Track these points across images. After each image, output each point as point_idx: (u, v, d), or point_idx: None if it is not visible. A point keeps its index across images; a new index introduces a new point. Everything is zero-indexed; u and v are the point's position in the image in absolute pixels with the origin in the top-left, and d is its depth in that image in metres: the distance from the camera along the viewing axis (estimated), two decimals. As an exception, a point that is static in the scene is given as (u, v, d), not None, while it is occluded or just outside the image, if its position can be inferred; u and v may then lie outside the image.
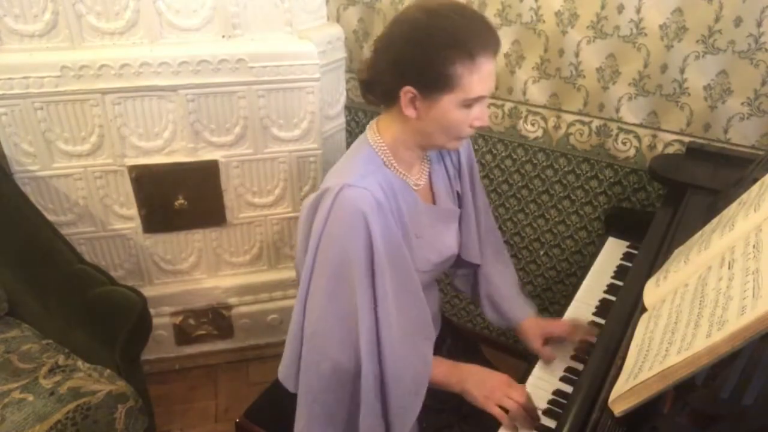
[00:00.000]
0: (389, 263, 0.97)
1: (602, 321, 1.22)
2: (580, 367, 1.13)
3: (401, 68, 0.95)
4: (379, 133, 1.05)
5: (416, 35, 0.93)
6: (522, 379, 1.13)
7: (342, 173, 1.01)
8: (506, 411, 1.00)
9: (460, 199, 1.21)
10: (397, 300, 0.99)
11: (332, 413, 1.04)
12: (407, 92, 0.95)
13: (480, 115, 0.98)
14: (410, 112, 0.97)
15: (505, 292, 1.29)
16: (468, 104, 0.95)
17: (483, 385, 1.02)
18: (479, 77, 0.92)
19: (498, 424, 1.00)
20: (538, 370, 1.14)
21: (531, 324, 1.22)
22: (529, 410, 1.00)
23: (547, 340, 1.17)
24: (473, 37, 0.91)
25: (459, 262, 1.25)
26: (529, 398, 1.01)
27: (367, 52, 2.00)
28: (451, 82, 0.92)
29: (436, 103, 0.95)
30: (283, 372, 1.11)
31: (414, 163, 1.09)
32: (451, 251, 1.18)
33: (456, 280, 1.34)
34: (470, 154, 1.23)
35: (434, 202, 1.16)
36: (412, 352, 1.02)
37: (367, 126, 1.08)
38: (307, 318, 1.01)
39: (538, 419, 1.01)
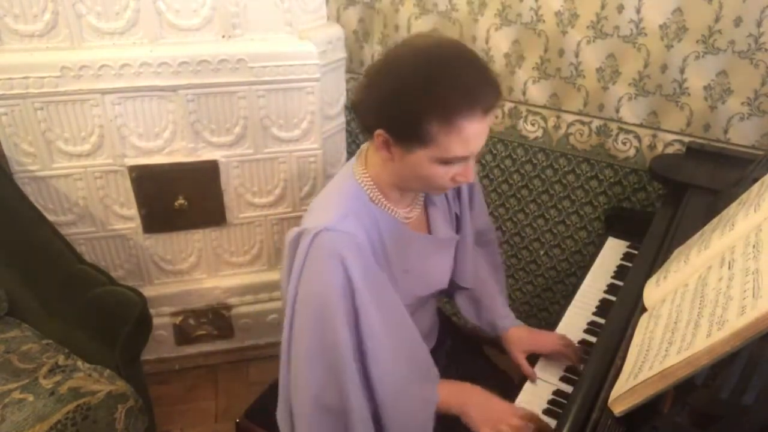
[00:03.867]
0: (376, 303, 0.92)
1: (602, 321, 1.22)
2: (580, 367, 1.13)
3: (376, 110, 0.90)
4: (366, 165, 1.00)
5: (400, 82, 0.85)
6: (522, 379, 1.13)
7: (322, 212, 0.97)
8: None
9: (458, 221, 1.17)
10: (390, 341, 0.95)
11: None
12: (379, 135, 0.89)
13: (463, 172, 0.91)
14: (384, 154, 0.92)
15: (489, 298, 1.26)
16: (445, 162, 0.88)
17: (484, 410, 0.99)
18: (458, 139, 0.84)
19: None
20: (538, 371, 1.14)
21: (519, 336, 1.19)
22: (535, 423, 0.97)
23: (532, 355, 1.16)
24: (458, 96, 0.82)
25: (451, 284, 1.22)
26: (534, 418, 0.98)
27: (367, 52, 2.01)
28: (424, 139, 0.85)
29: (409, 153, 0.89)
30: (280, 415, 1.07)
31: (402, 199, 1.04)
32: (441, 284, 1.14)
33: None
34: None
35: (429, 231, 1.11)
36: (411, 398, 0.99)
37: (356, 153, 1.03)
38: (293, 362, 0.97)
39: None
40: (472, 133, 0.85)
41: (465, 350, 1.34)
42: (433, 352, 1.27)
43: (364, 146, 1.04)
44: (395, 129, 0.87)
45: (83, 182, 1.72)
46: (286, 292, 0.99)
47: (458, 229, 1.17)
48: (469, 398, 1.02)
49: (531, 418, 0.98)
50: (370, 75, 0.92)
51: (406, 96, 0.84)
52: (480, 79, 0.85)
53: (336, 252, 0.89)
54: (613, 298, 1.26)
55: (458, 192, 1.15)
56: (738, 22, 1.35)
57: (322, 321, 0.92)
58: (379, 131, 0.89)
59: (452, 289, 1.26)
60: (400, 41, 0.92)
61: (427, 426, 0.99)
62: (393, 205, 1.02)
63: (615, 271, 1.40)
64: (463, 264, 1.19)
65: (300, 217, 1.96)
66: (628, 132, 1.61)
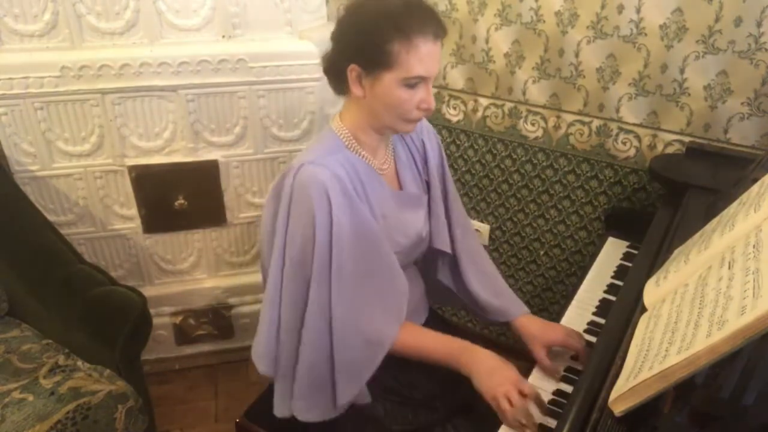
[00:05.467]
0: (353, 235, 1.01)
1: (602, 321, 1.22)
2: (580, 367, 1.13)
3: (347, 48, 1.02)
4: (342, 119, 1.11)
5: (360, 18, 1.01)
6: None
7: (303, 155, 1.07)
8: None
9: (428, 188, 1.24)
10: (358, 274, 1.03)
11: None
12: (352, 70, 1.01)
13: (425, 97, 1.02)
14: (357, 90, 1.03)
15: (498, 282, 1.30)
16: (409, 84, 0.99)
17: (494, 374, 1.02)
18: (417, 57, 0.97)
19: (496, 422, 1.00)
20: (538, 371, 1.14)
21: (533, 327, 1.20)
22: (537, 404, 0.99)
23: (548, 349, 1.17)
24: (411, 18, 0.97)
25: (433, 252, 1.27)
26: (538, 397, 1.01)
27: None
28: (389, 60, 0.97)
29: (378, 80, 1.00)
30: (259, 351, 1.15)
31: (377, 147, 1.13)
32: (419, 234, 1.19)
33: (439, 274, 1.33)
34: (438, 149, 1.27)
35: (401, 188, 1.19)
36: (367, 325, 1.05)
37: (331, 116, 1.13)
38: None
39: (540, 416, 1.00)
40: (428, 53, 0.98)
41: None
42: None
43: (336, 112, 1.14)
44: (364, 58, 1.00)
45: (83, 182, 1.72)
46: (265, 241, 1.11)
47: (428, 194, 1.25)
48: (479, 361, 1.04)
49: (536, 398, 1.00)
50: (334, 34, 1.06)
51: (369, 26, 0.99)
52: (429, 12, 1.01)
53: (319, 181, 0.99)
54: (613, 298, 1.26)
55: (426, 163, 1.24)
56: (738, 22, 1.35)
57: (315, 244, 1.00)
58: (351, 66, 1.01)
59: (437, 258, 1.30)
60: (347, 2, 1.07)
61: (375, 360, 1.05)
62: (369, 154, 1.11)
63: (615, 271, 1.40)
64: (438, 226, 1.24)
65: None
66: (628, 132, 1.61)
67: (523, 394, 0.99)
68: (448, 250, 1.26)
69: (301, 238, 1.02)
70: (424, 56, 0.98)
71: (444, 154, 1.29)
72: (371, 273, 1.06)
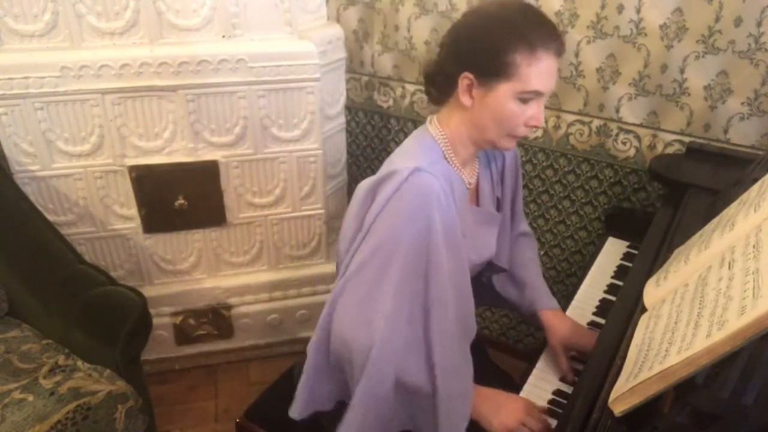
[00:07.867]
0: (449, 255, 0.95)
1: (602, 321, 1.22)
2: (580, 367, 1.13)
3: (462, 54, 0.97)
4: (441, 125, 1.05)
5: (481, 23, 0.97)
6: (522, 378, 1.13)
7: (408, 159, 0.99)
8: None
9: (499, 204, 1.21)
10: (453, 295, 0.97)
11: (387, 422, 1.00)
12: (465, 78, 0.96)
13: (536, 114, 0.97)
14: (466, 99, 0.98)
15: (525, 275, 1.27)
16: (523, 98, 0.95)
17: (498, 411, 0.99)
18: (537, 70, 0.92)
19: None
20: (538, 370, 1.15)
21: (562, 328, 1.17)
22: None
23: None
24: (537, 31, 0.92)
25: (488, 266, 1.24)
26: (546, 428, 0.99)
27: (367, 51, 2.00)
28: (508, 70, 0.92)
29: (491, 91, 0.95)
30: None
31: (468, 161, 1.09)
32: (490, 253, 1.17)
33: (482, 277, 1.32)
34: (516, 167, 1.23)
35: (478, 204, 1.16)
36: (461, 352, 1.00)
37: (427, 119, 1.08)
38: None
39: None
40: (549, 68, 0.94)
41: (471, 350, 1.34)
42: None
43: (432, 116, 1.08)
44: (481, 66, 0.95)
45: (83, 182, 1.72)
46: (347, 238, 1.02)
47: (498, 210, 1.22)
48: (483, 400, 1.01)
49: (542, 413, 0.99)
50: (446, 37, 1.02)
51: (492, 34, 0.94)
52: (553, 27, 0.96)
53: (433, 191, 0.93)
54: (613, 298, 1.26)
55: (502, 178, 1.21)
56: (738, 22, 1.35)
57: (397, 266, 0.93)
58: (464, 74, 0.96)
59: (489, 271, 1.28)
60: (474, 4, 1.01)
61: (470, 387, 1.00)
62: (461, 167, 1.06)
63: (615, 271, 1.40)
64: (502, 245, 1.21)
65: (300, 217, 1.96)
66: (628, 132, 1.61)
67: (532, 424, 0.97)
68: (507, 267, 1.25)
69: (382, 238, 0.94)
70: (545, 71, 0.93)
71: (520, 172, 1.25)
72: (460, 299, 0.99)
